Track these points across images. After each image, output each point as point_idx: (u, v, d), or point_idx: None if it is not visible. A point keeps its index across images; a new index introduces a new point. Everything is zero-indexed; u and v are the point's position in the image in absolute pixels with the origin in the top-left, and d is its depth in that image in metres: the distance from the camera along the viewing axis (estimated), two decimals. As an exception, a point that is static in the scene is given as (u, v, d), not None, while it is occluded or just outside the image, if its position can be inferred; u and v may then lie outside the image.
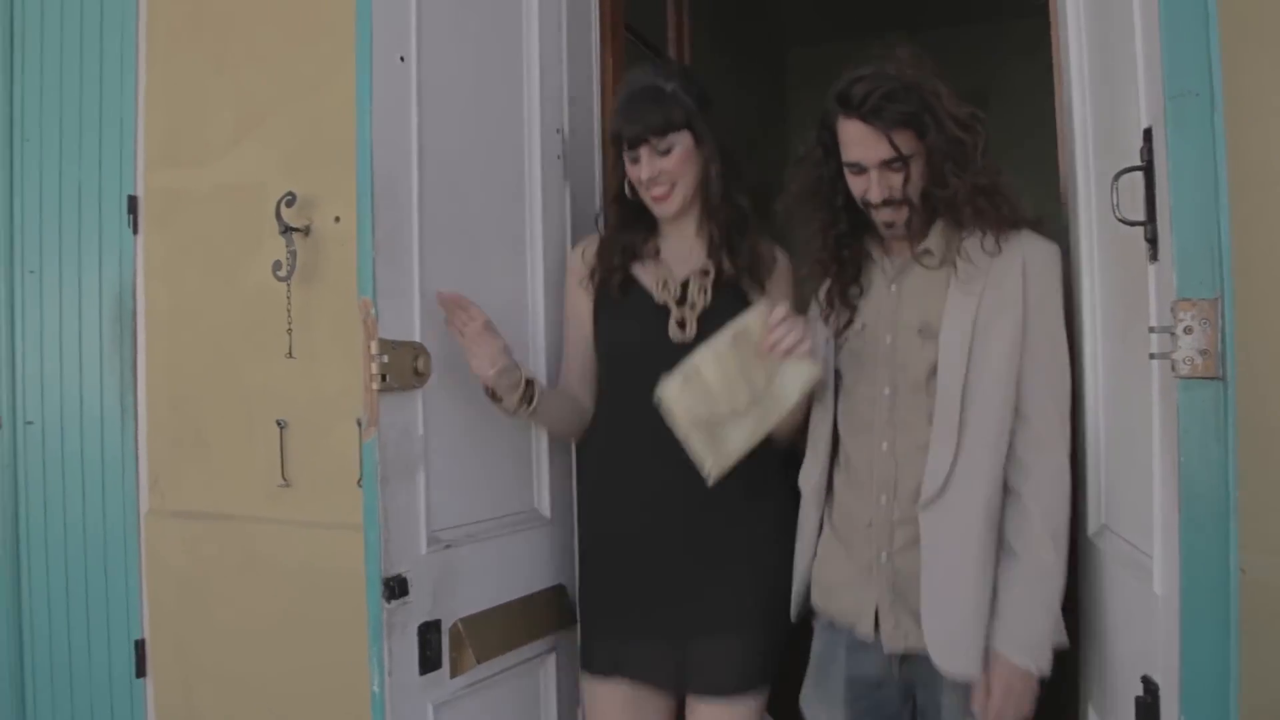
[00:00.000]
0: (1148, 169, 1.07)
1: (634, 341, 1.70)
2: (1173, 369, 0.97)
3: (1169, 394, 1.01)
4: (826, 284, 1.63)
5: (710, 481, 1.53)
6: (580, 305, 1.78)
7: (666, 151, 1.64)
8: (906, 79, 1.43)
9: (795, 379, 1.51)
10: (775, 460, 1.70)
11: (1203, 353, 0.95)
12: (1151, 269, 1.09)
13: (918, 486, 1.46)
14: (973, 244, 1.45)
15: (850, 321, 1.59)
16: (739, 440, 1.52)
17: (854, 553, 1.55)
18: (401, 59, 1.50)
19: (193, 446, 2.27)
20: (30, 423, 2.45)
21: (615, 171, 1.76)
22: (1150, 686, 1.10)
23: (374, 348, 1.41)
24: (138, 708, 2.29)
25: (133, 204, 2.34)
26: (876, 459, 1.53)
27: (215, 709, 2.21)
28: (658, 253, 1.75)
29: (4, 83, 2.48)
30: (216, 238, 2.25)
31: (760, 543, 1.69)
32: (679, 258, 1.74)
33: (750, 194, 1.73)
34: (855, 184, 1.51)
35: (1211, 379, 0.95)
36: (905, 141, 1.44)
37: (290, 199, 2.04)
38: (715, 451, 1.52)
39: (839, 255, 1.59)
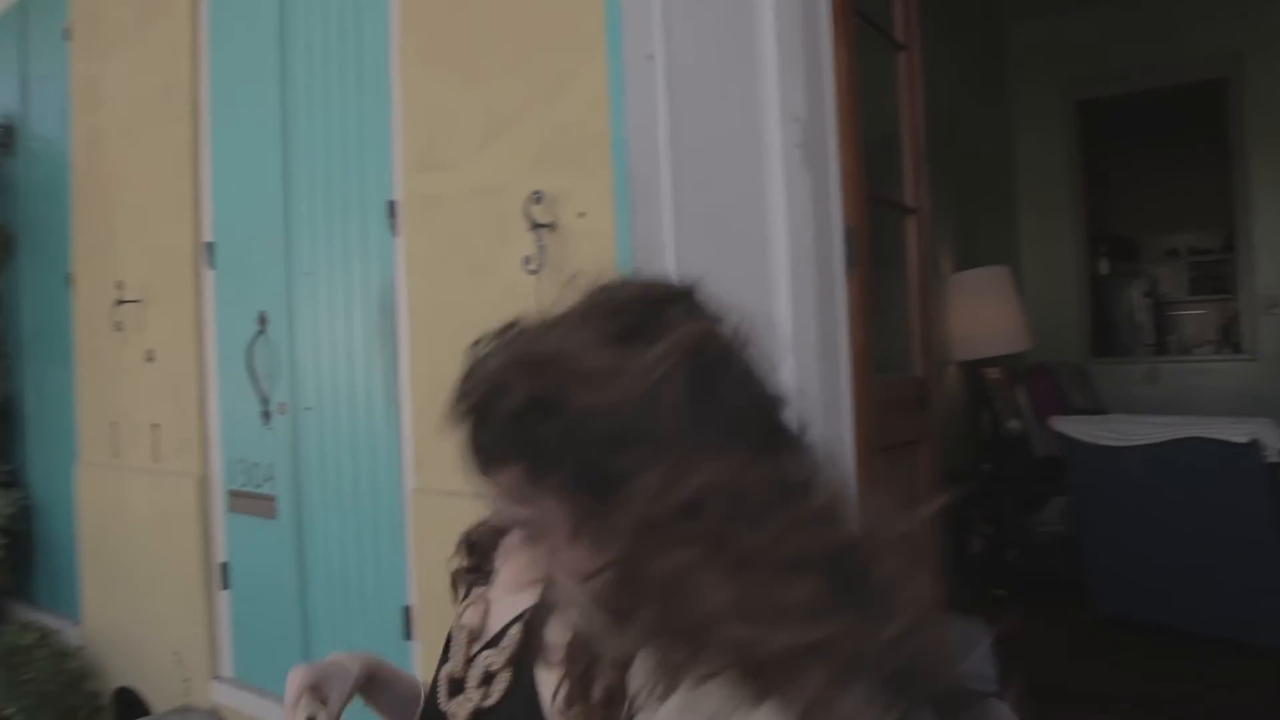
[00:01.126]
0: None
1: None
2: None
3: None
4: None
5: None
6: None
7: None
8: (530, 357, 0.79)
9: None
10: None
11: None
12: None
13: None
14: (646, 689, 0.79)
15: None
16: None
17: None
18: (649, 58, 1.58)
19: (450, 430, 2.45)
20: (309, 409, 2.73)
21: None
22: None
23: (634, 334, 1.48)
24: (406, 668, 2.49)
25: (392, 208, 2.54)
26: None
27: (472, 672, 2.38)
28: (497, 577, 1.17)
29: (279, 107, 2.79)
30: (469, 236, 2.41)
31: None
32: (511, 590, 1.12)
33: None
34: None
35: None
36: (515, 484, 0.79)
37: (538, 197, 2.17)
38: None
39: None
